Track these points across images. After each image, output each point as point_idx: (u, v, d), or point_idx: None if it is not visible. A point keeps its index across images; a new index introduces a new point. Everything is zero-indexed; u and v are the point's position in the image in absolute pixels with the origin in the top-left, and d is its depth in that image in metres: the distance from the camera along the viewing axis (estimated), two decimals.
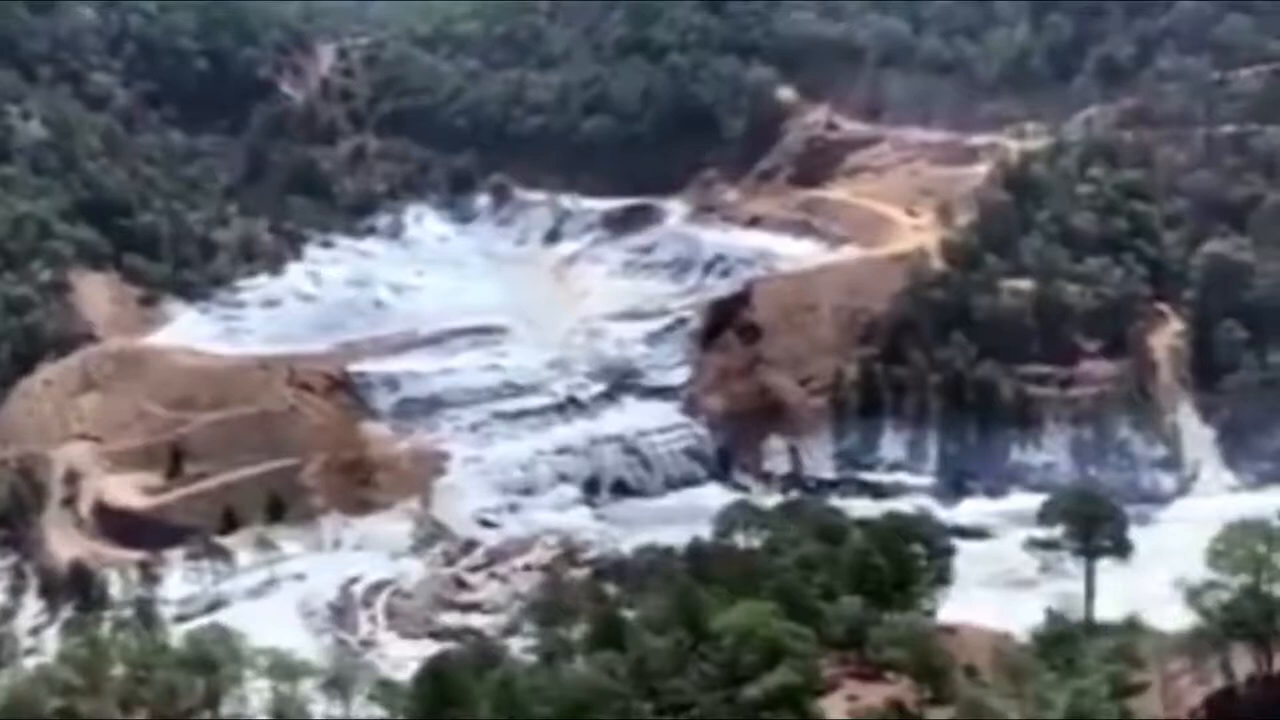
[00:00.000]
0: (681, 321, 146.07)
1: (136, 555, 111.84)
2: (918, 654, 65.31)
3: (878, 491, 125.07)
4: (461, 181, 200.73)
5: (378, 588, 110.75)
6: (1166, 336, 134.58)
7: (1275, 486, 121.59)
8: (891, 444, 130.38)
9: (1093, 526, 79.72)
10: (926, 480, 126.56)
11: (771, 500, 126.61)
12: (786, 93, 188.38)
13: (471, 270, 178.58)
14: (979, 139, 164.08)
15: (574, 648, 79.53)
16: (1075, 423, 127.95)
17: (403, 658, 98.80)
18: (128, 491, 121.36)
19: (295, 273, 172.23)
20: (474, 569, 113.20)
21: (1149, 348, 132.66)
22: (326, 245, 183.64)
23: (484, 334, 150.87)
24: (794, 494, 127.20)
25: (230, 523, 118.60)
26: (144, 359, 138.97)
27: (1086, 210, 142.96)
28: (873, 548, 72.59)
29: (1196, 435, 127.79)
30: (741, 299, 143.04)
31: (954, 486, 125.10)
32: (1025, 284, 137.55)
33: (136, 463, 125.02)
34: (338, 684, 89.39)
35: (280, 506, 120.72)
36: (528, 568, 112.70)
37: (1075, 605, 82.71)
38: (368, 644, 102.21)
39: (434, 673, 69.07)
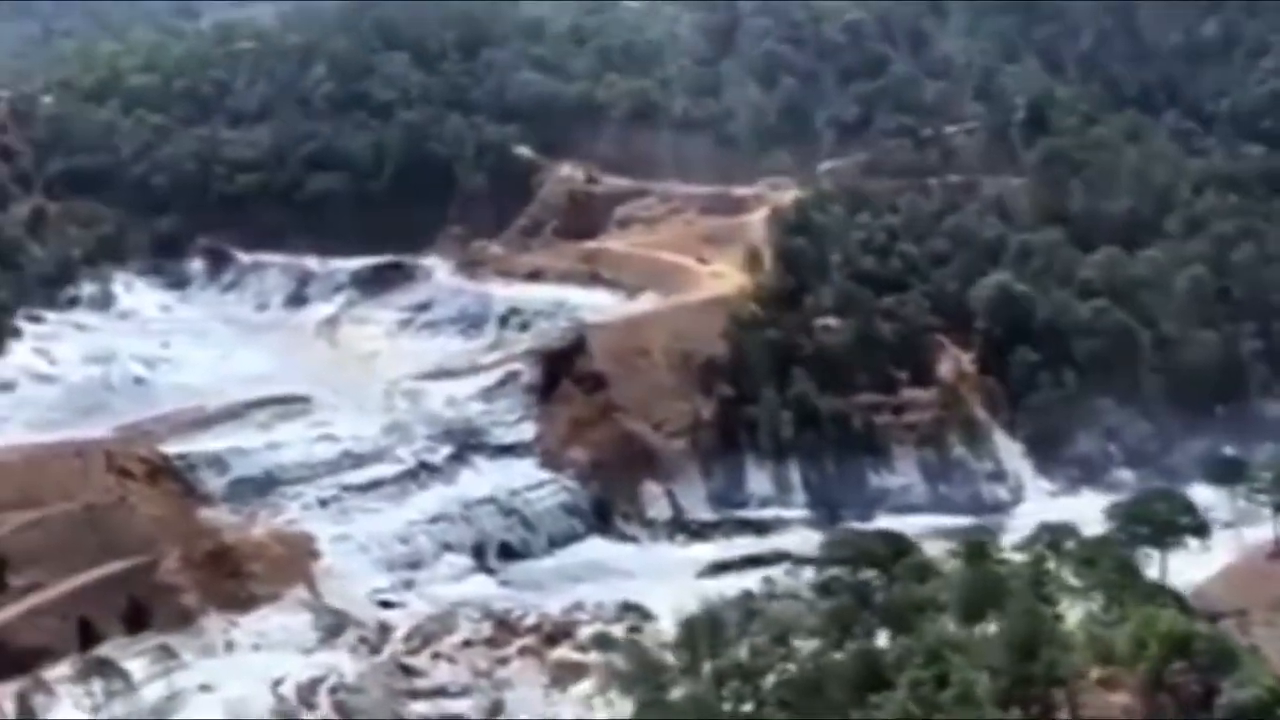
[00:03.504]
0: (512, 375, 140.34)
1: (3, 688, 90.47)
2: None
3: (759, 528, 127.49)
4: (167, 245, 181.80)
5: (311, 688, 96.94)
6: (961, 364, 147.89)
7: (1086, 489, 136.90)
8: (757, 480, 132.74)
9: (1173, 523, 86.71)
10: (800, 513, 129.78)
11: (660, 547, 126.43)
12: (524, 149, 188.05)
13: (219, 339, 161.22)
14: (742, 190, 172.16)
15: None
16: (918, 446, 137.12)
17: None
18: None
19: (20, 351, 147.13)
20: (410, 653, 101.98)
21: (954, 374, 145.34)
22: (34, 320, 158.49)
23: (287, 404, 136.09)
24: (680, 539, 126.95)
25: (88, 636, 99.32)
26: None
27: (866, 253, 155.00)
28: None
29: (1008, 450, 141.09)
30: (576, 348, 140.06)
31: (828, 516, 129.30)
32: (835, 322, 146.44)
33: None
34: None
35: (143, 611, 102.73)
36: (468, 644, 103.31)
37: None
38: None
39: None
